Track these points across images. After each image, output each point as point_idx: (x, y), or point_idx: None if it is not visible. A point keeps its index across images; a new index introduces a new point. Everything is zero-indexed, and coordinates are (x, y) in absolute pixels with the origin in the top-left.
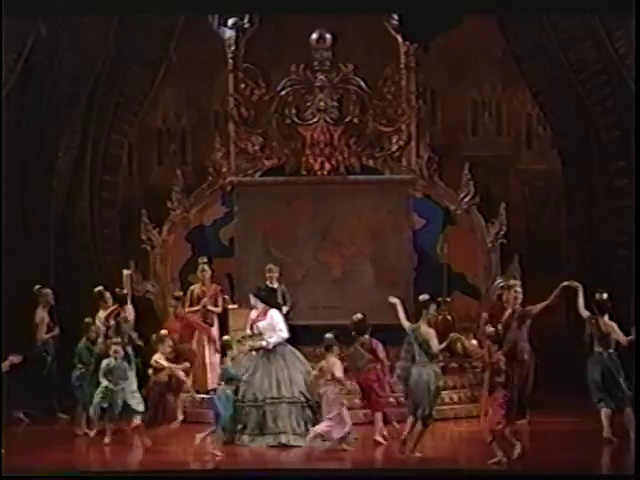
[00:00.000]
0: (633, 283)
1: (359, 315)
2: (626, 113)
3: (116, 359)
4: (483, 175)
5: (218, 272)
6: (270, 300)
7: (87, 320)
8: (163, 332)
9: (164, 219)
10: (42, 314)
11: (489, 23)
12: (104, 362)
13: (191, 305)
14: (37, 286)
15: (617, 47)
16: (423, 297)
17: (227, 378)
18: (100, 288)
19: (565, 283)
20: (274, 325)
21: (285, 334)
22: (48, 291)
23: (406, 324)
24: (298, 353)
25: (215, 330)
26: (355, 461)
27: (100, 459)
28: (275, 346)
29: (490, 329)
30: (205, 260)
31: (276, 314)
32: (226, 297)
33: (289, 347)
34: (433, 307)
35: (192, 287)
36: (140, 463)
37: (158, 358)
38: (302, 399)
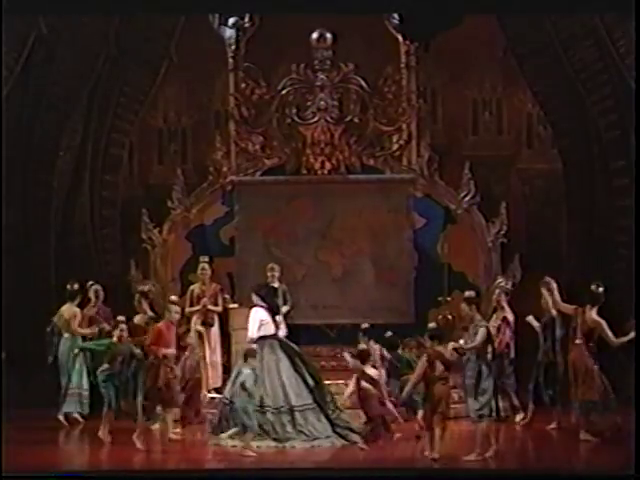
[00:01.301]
0: (633, 283)
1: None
2: (626, 112)
3: None
4: (483, 174)
5: (218, 271)
6: (267, 298)
7: (119, 318)
8: None
9: (164, 218)
10: (90, 310)
11: (489, 23)
12: None
13: (191, 305)
14: (89, 282)
15: (617, 46)
16: (469, 293)
17: None
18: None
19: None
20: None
21: (252, 335)
22: (98, 287)
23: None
24: (294, 357)
25: (216, 330)
26: (356, 461)
27: (101, 459)
28: (266, 347)
29: (432, 325)
30: (206, 259)
31: (253, 312)
32: (226, 296)
33: (285, 349)
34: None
35: (192, 287)
36: (142, 463)
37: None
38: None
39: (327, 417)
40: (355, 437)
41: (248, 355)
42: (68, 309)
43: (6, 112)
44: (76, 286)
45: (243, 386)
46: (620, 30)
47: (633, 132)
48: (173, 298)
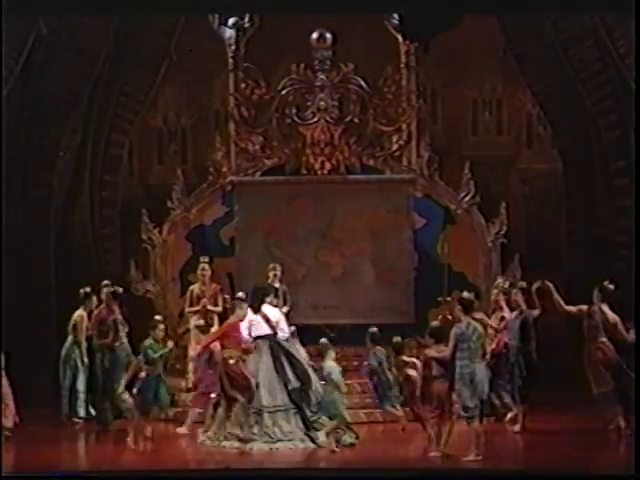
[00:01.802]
0: (633, 283)
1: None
2: (626, 112)
3: None
4: (483, 174)
5: (218, 271)
6: (254, 299)
7: (157, 317)
8: None
9: (164, 218)
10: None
11: (489, 23)
12: None
13: (191, 305)
14: (103, 282)
15: (617, 46)
16: (465, 294)
17: None
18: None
19: (536, 286)
20: None
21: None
22: (111, 288)
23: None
24: (281, 358)
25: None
26: (356, 461)
27: (100, 458)
28: (264, 350)
29: (434, 323)
30: (206, 260)
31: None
32: (226, 297)
33: (272, 350)
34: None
35: (192, 287)
36: (142, 463)
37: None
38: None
39: (304, 419)
40: (325, 441)
41: (324, 351)
42: (77, 313)
43: (6, 112)
44: (88, 289)
45: (330, 378)
46: (620, 30)
47: (633, 132)
48: (241, 295)
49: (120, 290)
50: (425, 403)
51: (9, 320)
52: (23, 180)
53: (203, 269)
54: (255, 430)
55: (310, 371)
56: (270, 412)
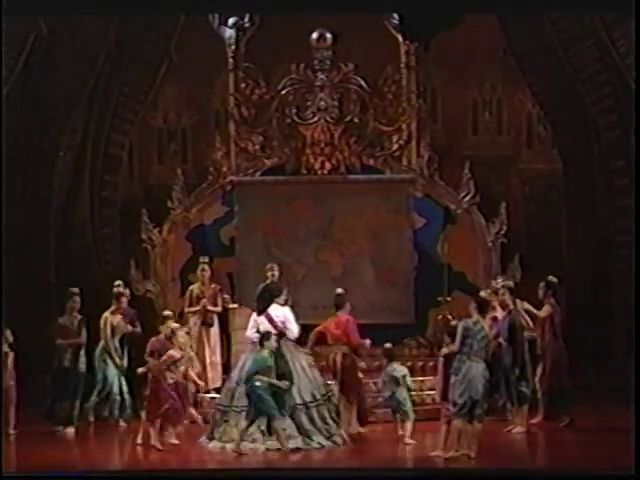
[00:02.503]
0: (633, 283)
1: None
2: (626, 112)
3: None
4: (483, 174)
5: (218, 271)
6: (265, 301)
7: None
8: None
9: (164, 218)
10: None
11: (489, 22)
12: None
13: (190, 305)
14: (118, 282)
15: (617, 46)
16: (483, 293)
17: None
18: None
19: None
20: None
21: (248, 334)
22: (126, 291)
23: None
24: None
25: (215, 330)
26: (357, 461)
27: (103, 458)
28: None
29: (453, 322)
30: (206, 260)
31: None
32: (226, 296)
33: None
34: None
35: (191, 287)
36: (143, 463)
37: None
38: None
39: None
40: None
41: (389, 356)
42: (103, 315)
43: (6, 112)
44: (121, 289)
45: (403, 380)
46: (620, 30)
47: (633, 132)
48: (341, 290)
49: (76, 291)
50: (446, 401)
51: (9, 320)
52: (23, 180)
53: (203, 269)
54: (221, 429)
55: (294, 373)
56: (236, 412)
